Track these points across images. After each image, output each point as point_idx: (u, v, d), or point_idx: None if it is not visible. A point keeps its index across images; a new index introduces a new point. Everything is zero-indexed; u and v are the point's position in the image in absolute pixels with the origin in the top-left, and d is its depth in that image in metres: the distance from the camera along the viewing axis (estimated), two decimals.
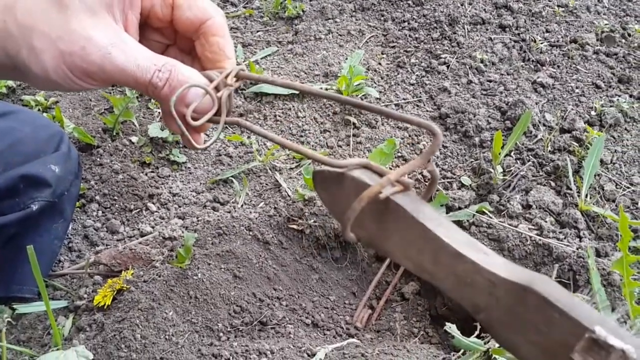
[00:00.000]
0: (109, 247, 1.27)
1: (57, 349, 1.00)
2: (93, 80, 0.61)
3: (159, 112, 1.60)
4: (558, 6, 2.05)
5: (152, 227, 1.31)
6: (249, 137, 1.56)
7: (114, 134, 1.52)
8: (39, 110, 1.54)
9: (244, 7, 2.16)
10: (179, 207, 1.37)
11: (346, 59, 1.83)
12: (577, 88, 1.70)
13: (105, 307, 1.09)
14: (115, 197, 1.38)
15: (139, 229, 1.31)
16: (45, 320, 1.11)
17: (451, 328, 1.02)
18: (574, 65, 1.80)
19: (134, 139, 1.51)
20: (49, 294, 1.16)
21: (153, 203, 1.38)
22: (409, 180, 0.65)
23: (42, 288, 0.97)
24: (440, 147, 1.55)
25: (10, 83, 1.61)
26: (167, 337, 1.02)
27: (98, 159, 1.44)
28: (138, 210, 1.36)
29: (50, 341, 1.06)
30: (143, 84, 0.61)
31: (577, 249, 1.22)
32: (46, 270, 1.19)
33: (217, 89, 0.70)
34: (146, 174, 1.44)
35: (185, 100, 0.64)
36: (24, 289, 1.13)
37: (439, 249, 0.61)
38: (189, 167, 1.49)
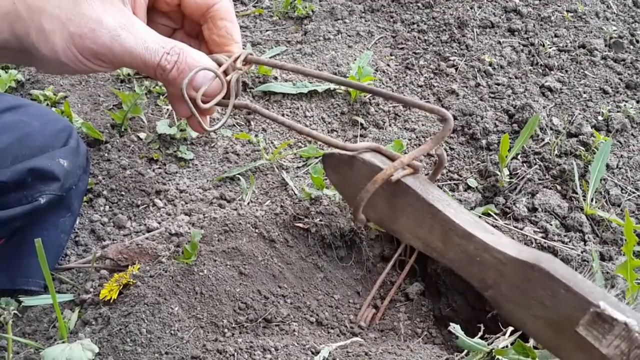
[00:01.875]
0: (115, 241, 1.28)
1: (63, 342, 1.01)
2: (102, 62, 0.62)
3: (168, 109, 1.61)
4: (567, 11, 2.05)
5: (159, 223, 1.32)
6: (256, 136, 1.57)
7: (122, 129, 1.53)
8: (47, 104, 1.55)
9: (254, 6, 2.17)
10: (186, 203, 1.38)
11: (355, 59, 1.83)
12: (584, 93, 1.70)
13: (111, 301, 1.09)
14: (123, 193, 1.38)
15: (145, 225, 1.32)
16: (51, 313, 1.12)
17: (455, 328, 1.03)
18: (582, 70, 1.80)
19: (142, 135, 1.52)
20: (55, 287, 1.17)
21: (160, 199, 1.39)
22: (419, 163, 0.67)
23: (49, 281, 0.98)
24: (447, 149, 1.56)
25: (20, 77, 1.62)
26: (172, 332, 1.03)
27: (106, 155, 1.45)
28: (145, 205, 1.37)
29: (56, 334, 1.07)
30: (152, 66, 0.62)
31: (582, 252, 1.22)
32: (52, 263, 1.19)
33: (225, 72, 0.71)
34: (153, 170, 1.45)
35: (193, 83, 0.65)
36: (30, 282, 1.14)
37: (449, 229, 0.63)
38: (196, 164, 1.50)
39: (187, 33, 0.82)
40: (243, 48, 1.71)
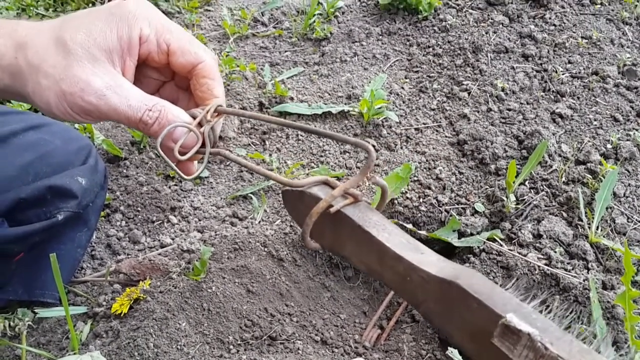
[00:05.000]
0: (130, 256, 1.32)
1: (74, 354, 1.05)
2: (90, 116, 0.71)
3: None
4: (582, 38, 2.07)
5: (172, 239, 1.36)
6: (270, 155, 1.61)
7: (141, 147, 1.57)
8: (70, 121, 1.60)
9: (274, 28, 2.22)
10: (199, 220, 1.42)
11: (370, 81, 1.87)
12: (595, 120, 1.72)
13: (122, 315, 1.14)
14: (139, 209, 1.43)
15: (159, 240, 1.36)
16: (64, 325, 1.16)
17: (453, 352, 1.05)
18: (593, 98, 1.82)
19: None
20: (69, 299, 1.21)
21: (174, 216, 1.43)
22: (358, 192, 0.73)
23: (62, 294, 1.02)
24: (456, 173, 1.58)
25: None
26: (179, 347, 1.06)
27: (124, 171, 1.50)
28: (160, 222, 1.41)
29: (68, 345, 1.11)
30: (134, 121, 0.71)
31: (584, 280, 1.24)
32: (68, 277, 1.24)
33: (200, 124, 0.80)
34: (169, 187, 1.49)
35: (172, 137, 0.73)
36: (46, 294, 1.19)
37: (383, 252, 0.68)
38: (210, 182, 1.54)
39: (177, 85, 0.91)
40: (261, 69, 1.75)
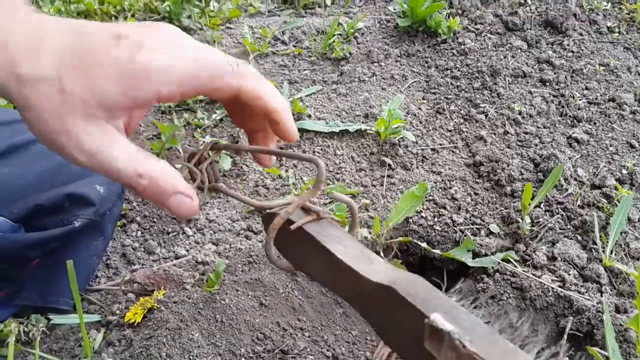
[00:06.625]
0: (144, 266, 1.33)
1: None
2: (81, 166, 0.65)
3: (204, 141, 1.67)
4: (599, 65, 2.08)
5: (187, 251, 1.37)
6: (286, 171, 1.62)
7: (160, 159, 1.59)
8: None
9: (294, 46, 2.24)
10: (214, 233, 1.43)
11: (387, 101, 1.88)
12: (611, 146, 1.73)
13: (135, 324, 1.14)
14: (155, 220, 1.44)
15: (174, 252, 1.37)
16: (78, 332, 1.17)
17: None
18: (610, 124, 1.82)
19: (178, 165, 1.58)
20: (83, 307, 1.22)
21: (190, 228, 1.44)
22: (318, 208, 0.73)
23: (77, 302, 1.03)
24: (472, 193, 1.59)
25: None
26: (191, 357, 1.07)
27: None
28: (175, 233, 1.42)
29: (81, 353, 1.12)
30: (124, 183, 0.64)
31: (597, 303, 1.24)
32: (83, 284, 1.25)
33: (200, 161, 0.82)
34: None
35: (168, 205, 0.67)
36: (60, 301, 1.19)
37: (336, 265, 0.67)
38: (226, 196, 1.55)
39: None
40: (280, 86, 1.77)
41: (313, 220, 0.73)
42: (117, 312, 1.21)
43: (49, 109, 0.59)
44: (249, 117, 0.79)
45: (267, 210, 0.78)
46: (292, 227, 0.71)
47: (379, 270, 0.63)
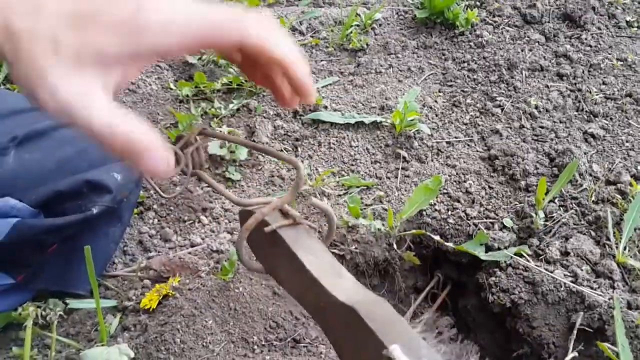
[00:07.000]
0: (160, 254, 1.35)
1: (102, 345, 1.08)
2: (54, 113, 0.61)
3: (221, 131, 1.69)
4: (617, 59, 2.07)
5: (202, 239, 1.39)
6: (302, 161, 1.63)
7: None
8: None
9: (311, 37, 2.25)
10: (229, 222, 1.45)
11: (403, 94, 1.89)
12: (627, 142, 1.72)
13: (150, 310, 1.16)
14: (171, 208, 1.46)
15: (189, 240, 1.38)
16: (94, 317, 1.19)
17: None
18: (626, 119, 1.82)
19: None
20: (100, 292, 1.24)
21: (205, 216, 1.45)
22: (296, 213, 0.71)
23: (94, 287, 1.05)
24: (486, 187, 1.59)
25: None
26: (204, 344, 1.09)
27: None
28: (191, 222, 1.44)
29: (97, 337, 1.14)
30: (97, 136, 0.59)
31: (609, 299, 1.24)
32: (100, 270, 1.27)
33: (186, 145, 0.83)
34: (202, 188, 1.52)
35: (143, 162, 0.61)
36: (77, 286, 1.21)
37: (304, 275, 0.66)
38: (242, 185, 1.57)
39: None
40: None
41: (289, 224, 0.72)
42: (133, 298, 1.22)
43: (37, 60, 0.57)
44: (263, 75, 0.73)
45: (244, 208, 0.78)
46: (267, 229, 0.70)
47: (345, 288, 0.62)
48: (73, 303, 1.20)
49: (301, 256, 0.67)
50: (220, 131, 1.68)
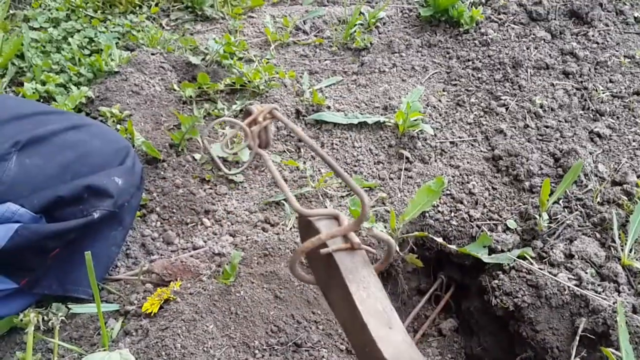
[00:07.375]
0: (163, 257, 1.35)
1: (104, 350, 1.08)
2: None
3: (223, 132, 1.68)
4: (625, 57, 2.05)
5: (205, 242, 1.39)
6: (304, 163, 1.63)
7: (179, 149, 1.61)
8: (113, 121, 1.64)
9: (315, 36, 2.24)
10: (232, 224, 1.45)
11: (407, 93, 1.88)
12: (634, 141, 1.70)
13: (152, 314, 1.16)
14: (174, 210, 1.46)
15: (192, 242, 1.38)
16: (97, 321, 1.19)
17: None
18: (633, 118, 1.80)
19: (197, 156, 1.60)
20: (102, 297, 1.25)
21: (208, 219, 1.45)
22: (356, 239, 0.68)
23: (95, 292, 1.05)
24: (490, 188, 1.58)
25: (90, 94, 1.72)
26: (205, 349, 1.09)
27: (162, 173, 1.53)
28: (194, 224, 1.44)
29: (99, 341, 1.14)
30: None
31: (614, 303, 1.23)
32: (102, 274, 1.27)
33: (255, 122, 0.81)
34: (205, 191, 1.52)
35: None
36: (79, 290, 1.22)
37: (353, 313, 0.64)
38: (245, 187, 1.56)
39: None
40: (300, 76, 1.77)
41: (347, 249, 0.69)
42: (135, 302, 1.23)
43: None
44: None
45: (305, 217, 0.75)
46: (323, 251, 0.67)
47: (393, 342, 0.61)
48: (75, 307, 1.21)
49: (353, 292, 0.65)
50: (224, 131, 1.68)
